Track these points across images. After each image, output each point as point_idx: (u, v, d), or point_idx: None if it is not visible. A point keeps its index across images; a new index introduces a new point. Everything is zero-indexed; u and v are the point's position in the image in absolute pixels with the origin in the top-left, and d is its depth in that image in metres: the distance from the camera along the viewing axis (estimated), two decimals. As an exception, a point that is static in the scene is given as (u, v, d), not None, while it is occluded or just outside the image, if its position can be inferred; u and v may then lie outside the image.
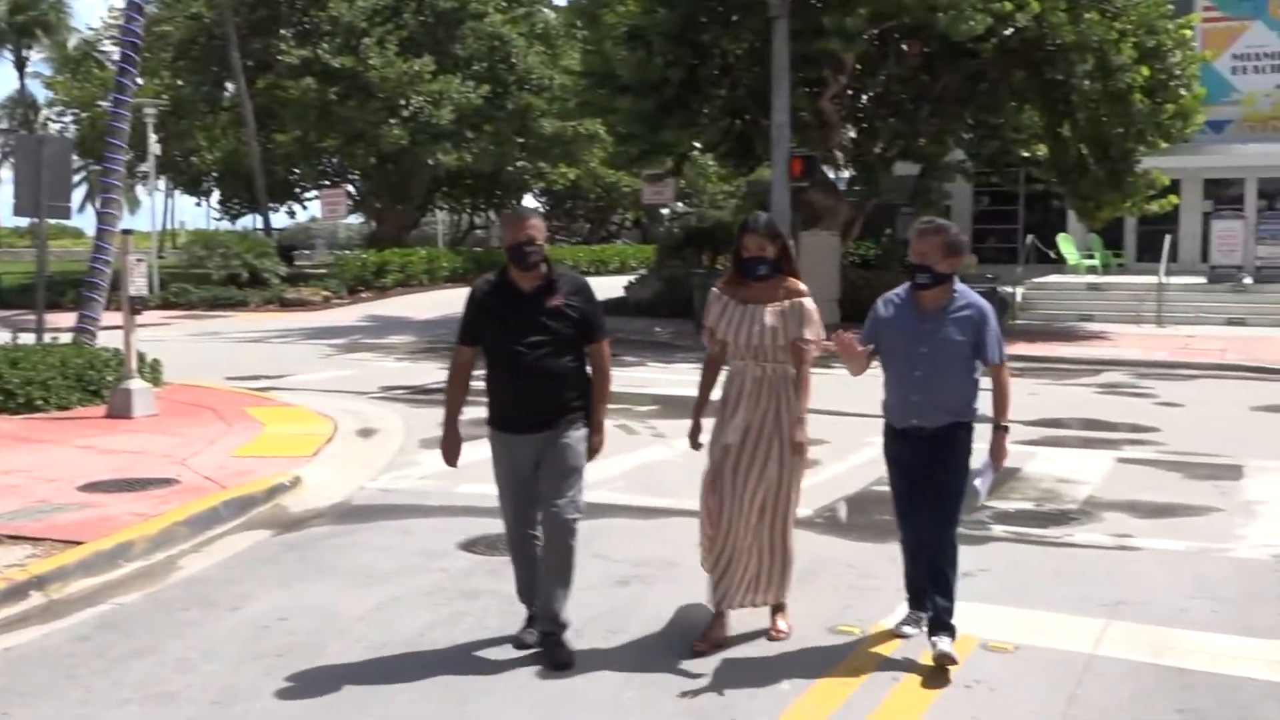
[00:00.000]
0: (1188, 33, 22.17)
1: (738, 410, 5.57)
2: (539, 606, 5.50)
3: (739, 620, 5.80)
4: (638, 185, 37.83)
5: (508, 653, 5.52)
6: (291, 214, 47.66)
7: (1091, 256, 28.54)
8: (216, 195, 41.49)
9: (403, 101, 33.31)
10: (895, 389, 5.49)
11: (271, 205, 38.79)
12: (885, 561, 6.73)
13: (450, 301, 29.43)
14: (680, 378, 15.40)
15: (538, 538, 5.52)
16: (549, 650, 5.40)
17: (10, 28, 57.23)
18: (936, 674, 5.24)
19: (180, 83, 34.37)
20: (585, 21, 25.09)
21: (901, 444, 5.52)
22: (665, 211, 34.11)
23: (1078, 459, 10.44)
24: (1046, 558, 7.29)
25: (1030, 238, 27.87)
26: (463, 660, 5.44)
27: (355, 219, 51.05)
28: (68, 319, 14.86)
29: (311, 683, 5.21)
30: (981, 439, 5.45)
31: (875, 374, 5.62)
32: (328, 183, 38.67)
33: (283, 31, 35.19)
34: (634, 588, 6.57)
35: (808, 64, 22.42)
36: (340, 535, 7.79)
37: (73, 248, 62.93)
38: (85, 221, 69.99)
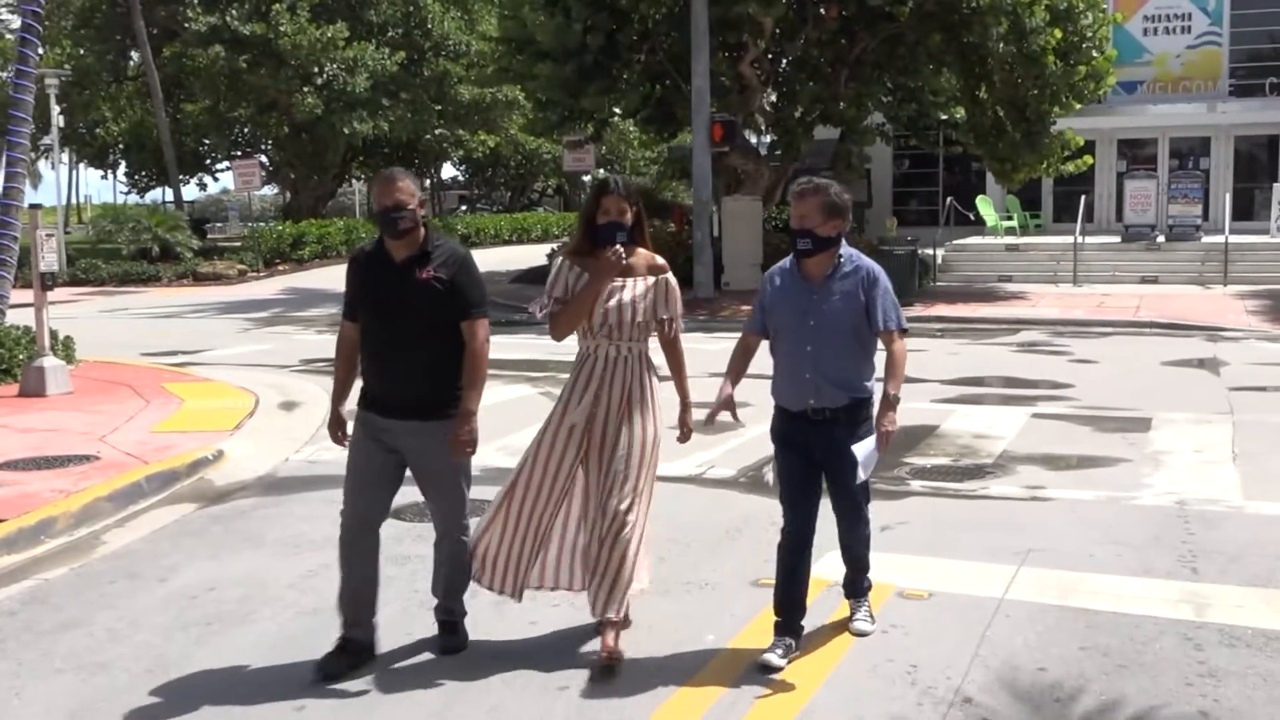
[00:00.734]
0: (1099, -5, 22.58)
1: (586, 390, 5.07)
2: (440, 599, 5.24)
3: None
4: (558, 152, 37.70)
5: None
6: (203, 186, 46.97)
7: (1010, 218, 29.04)
8: (123, 168, 40.64)
9: (316, 69, 32.91)
10: (785, 368, 5.05)
11: (182, 177, 38.14)
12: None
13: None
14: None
15: (374, 536, 5.12)
16: (445, 636, 5.22)
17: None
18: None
19: (83, 52, 33.56)
20: (502, -14, 24.97)
21: (795, 426, 5.07)
22: (587, 179, 34.04)
23: (994, 415, 10.70)
24: (962, 510, 7.51)
25: (949, 200, 28.31)
26: (395, 621, 5.50)
27: (269, 190, 50.39)
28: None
29: (244, 648, 5.25)
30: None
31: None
32: (239, 153, 38.08)
33: (189, -3, 34.53)
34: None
35: (727, 28, 22.51)
36: (266, 507, 7.80)
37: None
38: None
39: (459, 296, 4.94)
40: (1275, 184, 27.37)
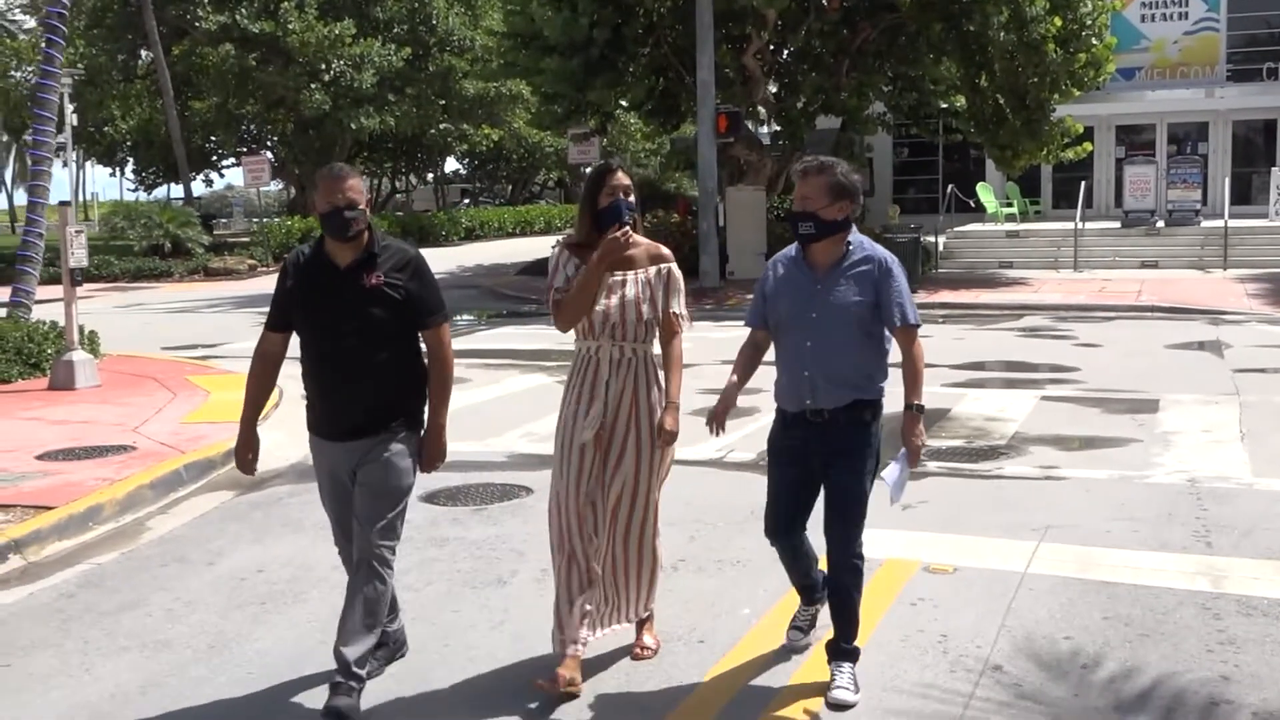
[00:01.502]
0: (1098, -18, 22.76)
1: (593, 401, 4.67)
2: (336, 643, 4.48)
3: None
4: (561, 145, 38.00)
5: (482, 592, 5.82)
6: (209, 182, 47.28)
7: (1010, 205, 29.25)
8: (131, 165, 40.89)
9: (324, 66, 33.14)
10: (786, 365, 4.64)
11: (189, 174, 38.33)
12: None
13: (380, 266, 29.44)
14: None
15: None
16: (332, 696, 4.41)
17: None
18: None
19: (95, 51, 33.80)
20: (509, -18, 25.12)
21: (792, 432, 4.64)
22: (587, 170, 34.30)
23: (1004, 399, 10.92)
24: (979, 489, 7.74)
25: (950, 187, 28.53)
26: (440, 600, 5.74)
27: (274, 186, 50.60)
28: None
29: (299, 626, 5.48)
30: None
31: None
32: (246, 150, 38.30)
33: (199, -4, 34.74)
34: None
35: (731, 20, 22.73)
36: (302, 493, 7.99)
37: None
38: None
39: (414, 303, 4.51)
40: (1274, 168, 27.62)
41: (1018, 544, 6.41)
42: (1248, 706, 4.44)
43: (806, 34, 24.06)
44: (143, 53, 36.14)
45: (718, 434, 4.82)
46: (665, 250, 4.81)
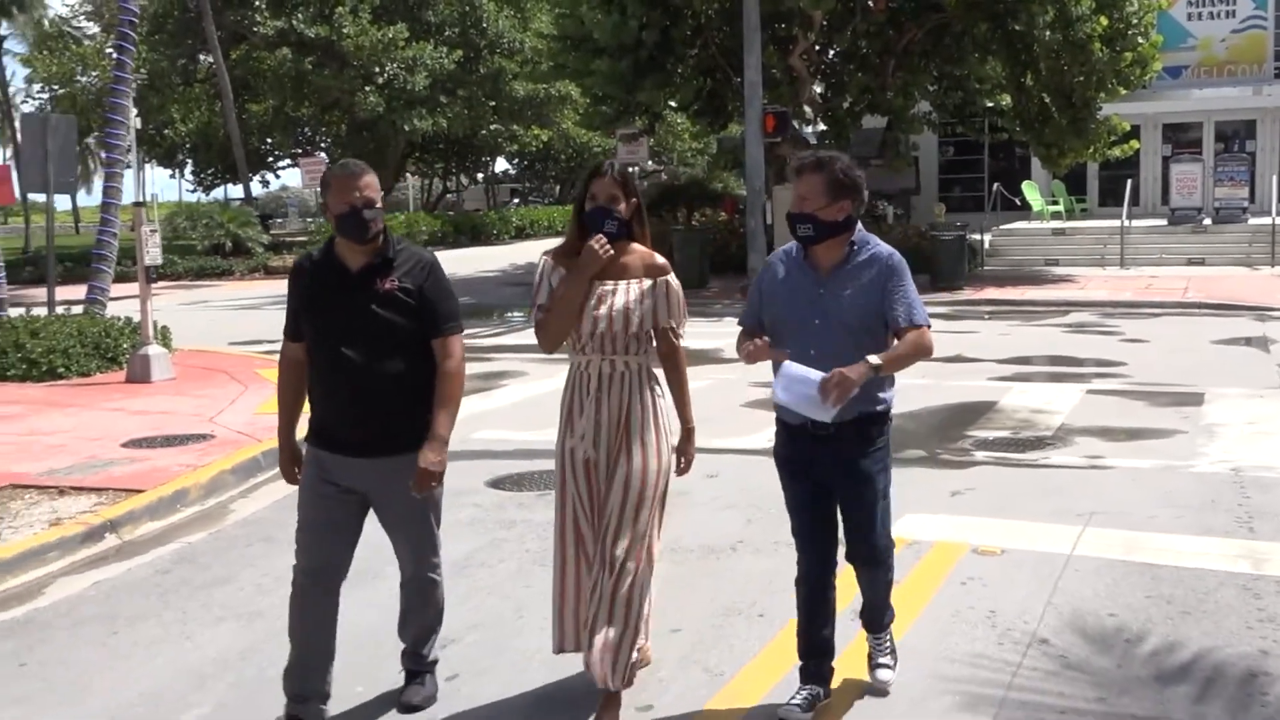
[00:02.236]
0: (1144, -19, 22.82)
1: (581, 412, 4.41)
2: (408, 646, 4.66)
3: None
4: (609, 145, 38.33)
5: (551, 569, 6.14)
6: (265, 183, 48.03)
7: (1056, 202, 29.29)
8: (190, 166, 41.79)
9: (377, 69, 33.77)
10: None
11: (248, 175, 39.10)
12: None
13: (433, 264, 29.93)
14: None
15: (332, 599, 4.50)
16: (411, 689, 4.61)
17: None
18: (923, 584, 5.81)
19: (156, 56, 34.63)
20: (558, -14, 25.50)
21: (796, 444, 4.33)
22: (634, 169, 34.69)
23: (1050, 392, 11.12)
24: (1026, 477, 7.98)
25: (996, 185, 28.60)
26: (514, 575, 6.07)
27: (326, 186, 51.47)
28: (65, 292, 15.36)
29: (383, 599, 5.81)
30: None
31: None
32: (300, 151, 39.00)
33: (257, 3, 35.50)
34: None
35: (777, 22, 23.00)
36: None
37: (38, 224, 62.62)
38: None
39: (429, 310, 4.25)
40: (1323, 166, 27.49)
41: (1064, 528, 6.65)
42: (1285, 677, 4.67)
43: (852, 34, 24.25)
44: (201, 57, 36.98)
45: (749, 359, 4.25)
46: (662, 261, 4.48)
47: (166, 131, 36.58)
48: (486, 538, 6.79)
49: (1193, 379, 11.56)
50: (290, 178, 54.42)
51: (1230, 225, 25.64)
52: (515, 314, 20.11)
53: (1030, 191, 29.11)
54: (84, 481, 7.85)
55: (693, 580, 5.93)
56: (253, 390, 11.48)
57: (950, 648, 5.03)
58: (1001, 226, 27.53)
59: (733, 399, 10.41)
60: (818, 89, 25.94)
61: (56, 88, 35.32)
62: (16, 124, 49.26)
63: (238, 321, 19.98)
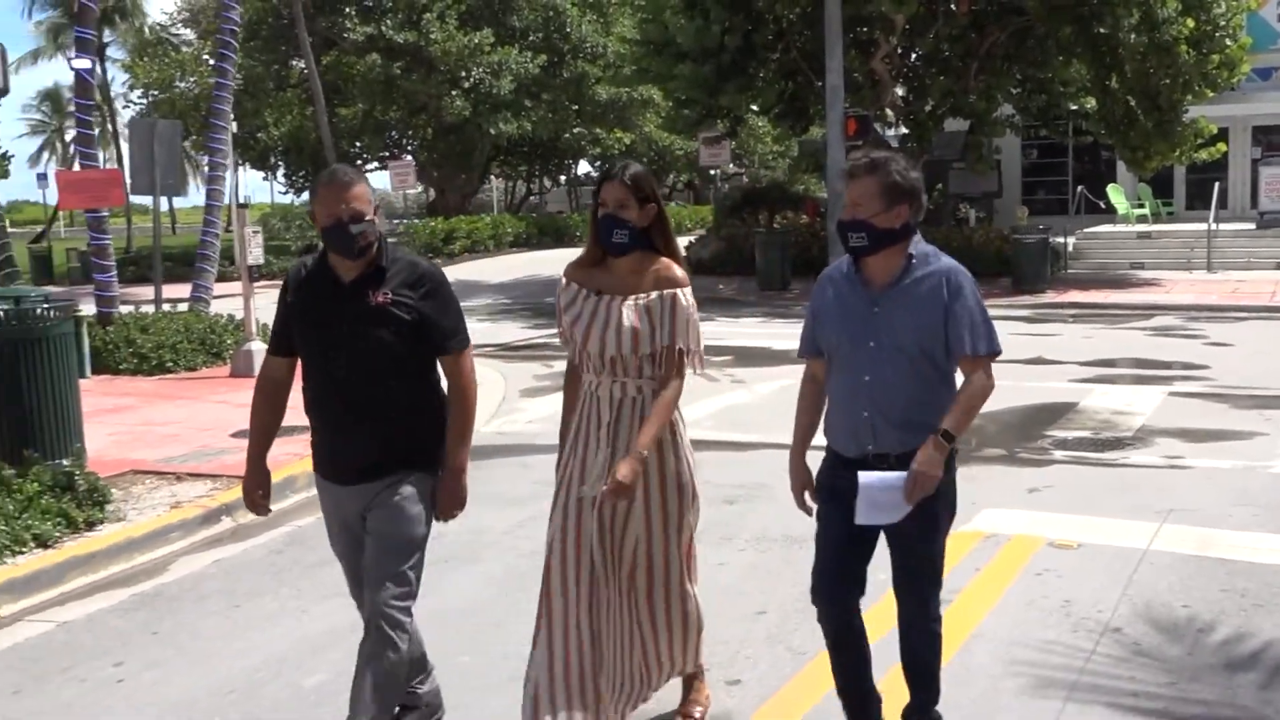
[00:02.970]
0: (1232, -17, 22.58)
1: (598, 447, 4.01)
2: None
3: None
4: (691, 148, 38.66)
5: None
6: (352, 186, 48.71)
7: (1141, 205, 29.01)
8: (282, 170, 42.89)
9: (464, 73, 34.40)
10: (839, 402, 3.89)
11: (339, 178, 39.95)
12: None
13: (519, 266, 30.55)
14: (748, 331, 16.72)
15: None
16: None
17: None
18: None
19: (252, 62, 35.65)
20: (643, -8, 25.87)
21: (849, 477, 3.76)
22: (715, 173, 34.98)
23: (1131, 394, 11.20)
24: (1104, 476, 8.13)
25: (1080, 188, 28.40)
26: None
27: (415, 189, 52.34)
28: (168, 290, 16.00)
29: (479, 581, 6.19)
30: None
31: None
32: (388, 154, 39.84)
33: (347, 9, 36.43)
34: (739, 505, 7.51)
35: (859, 25, 23.14)
36: (471, 470, 8.64)
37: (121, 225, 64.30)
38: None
39: (429, 326, 3.94)
40: None
41: (1141, 524, 6.80)
42: (1353, 667, 4.82)
43: (935, 38, 24.29)
44: (294, 63, 37.98)
45: (811, 514, 4.02)
46: (678, 273, 4.02)
47: (260, 135, 37.53)
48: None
49: (1276, 382, 11.56)
50: (379, 180, 55.36)
51: (1321, 229, 25.25)
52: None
53: (1115, 195, 28.87)
54: (199, 468, 8.32)
55: (777, 568, 6.21)
56: (350, 385, 11.94)
57: (1024, 634, 5.24)
58: (1086, 230, 27.35)
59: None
60: (899, 92, 26.00)
61: (156, 93, 36.47)
62: (119, 128, 50.95)
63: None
